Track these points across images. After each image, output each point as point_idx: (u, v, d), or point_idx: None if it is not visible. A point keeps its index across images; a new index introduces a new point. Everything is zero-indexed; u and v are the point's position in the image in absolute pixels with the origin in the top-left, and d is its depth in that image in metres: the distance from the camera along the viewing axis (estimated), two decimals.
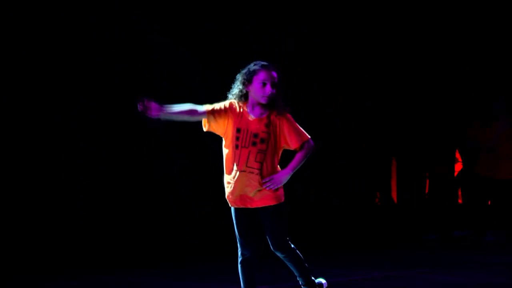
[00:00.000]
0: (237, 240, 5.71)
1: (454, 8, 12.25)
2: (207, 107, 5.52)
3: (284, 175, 5.54)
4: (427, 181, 12.07)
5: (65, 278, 8.53)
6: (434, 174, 11.86)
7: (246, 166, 5.51)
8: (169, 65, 10.09)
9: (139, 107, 5.33)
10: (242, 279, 5.74)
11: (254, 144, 5.53)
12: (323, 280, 5.86)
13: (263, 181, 5.51)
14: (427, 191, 12.10)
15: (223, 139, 5.65)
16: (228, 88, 5.66)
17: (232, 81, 5.66)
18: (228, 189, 5.61)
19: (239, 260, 5.73)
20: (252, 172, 5.53)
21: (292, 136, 5.57)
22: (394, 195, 12.27)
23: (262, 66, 5.56)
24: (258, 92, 5.49)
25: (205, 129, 5.63)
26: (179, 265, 9.41)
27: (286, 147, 5.63)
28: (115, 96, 9.75)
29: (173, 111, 5.44)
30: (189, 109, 5.49)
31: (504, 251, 10.43)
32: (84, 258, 9.53)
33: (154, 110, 5.34)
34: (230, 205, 5.66)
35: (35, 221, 9.52)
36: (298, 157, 5.59)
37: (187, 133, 10.19)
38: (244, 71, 5.58)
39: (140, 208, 10.14)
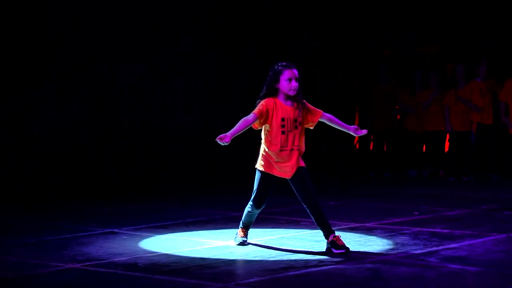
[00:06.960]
0: (255, 197, 6.04)
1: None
2: (254, 113, 5.85)
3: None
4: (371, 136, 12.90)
5: (99, 204, 9.18)
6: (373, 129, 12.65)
7: (293, 145, 5.90)
8: None
9: (220, 141, 5.62)
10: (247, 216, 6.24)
11: (296, 127, 5.92)
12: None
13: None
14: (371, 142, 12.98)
15: (263, 127, 5.97)
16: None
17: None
18: (270, 161, 5.90)
19: (250, 208, 6.13)
20: (293, 149, 5.90)
21: (314, 113, 6.01)
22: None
23: (285, 66, 5.88)
24: (286, 87, 5.86)
25: (257, 128, 5.93)
26: (185, 194, 10.10)
27: (306, 125, 6.02)
28: None
29: (236, 131, 5.72)
30: (245, 123, 5.78)
31: (425, 185, 11.28)
32: (112, 190, 10.25)
33: (226, 138, 5.63)
34: (264, 171, 5.97)
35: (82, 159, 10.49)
36: (335, 118, 6.05)
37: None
38: (271, 72, 5.92)
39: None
